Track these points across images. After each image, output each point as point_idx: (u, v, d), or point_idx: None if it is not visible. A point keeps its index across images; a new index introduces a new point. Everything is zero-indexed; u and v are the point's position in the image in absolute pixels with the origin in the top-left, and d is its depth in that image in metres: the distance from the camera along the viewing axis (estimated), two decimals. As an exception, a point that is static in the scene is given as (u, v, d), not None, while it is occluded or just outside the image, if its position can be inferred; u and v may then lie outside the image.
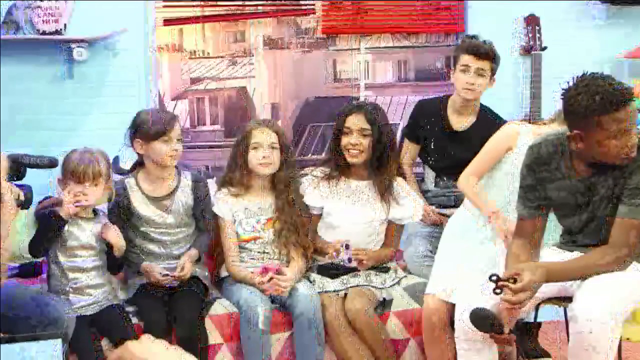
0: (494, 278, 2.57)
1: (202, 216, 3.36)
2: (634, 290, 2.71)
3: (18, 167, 2.56)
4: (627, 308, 2.66)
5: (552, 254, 2.93)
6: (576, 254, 2.86)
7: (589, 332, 2.55)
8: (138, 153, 3.28)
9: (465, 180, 3.28)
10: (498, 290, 2.56)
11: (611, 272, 2.68)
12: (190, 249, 3.28)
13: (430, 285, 3.22)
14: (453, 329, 2.95)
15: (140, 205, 3.25)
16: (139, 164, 3.33)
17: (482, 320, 2.62)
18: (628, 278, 2.70)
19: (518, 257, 2.80)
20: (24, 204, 2.53)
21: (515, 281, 2.55)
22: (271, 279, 3.15)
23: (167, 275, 3.15)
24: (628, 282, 2.70)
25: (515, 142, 3.21)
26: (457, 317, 2.84)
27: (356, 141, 3.35)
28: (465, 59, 3.55)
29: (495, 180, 3.29)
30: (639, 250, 2.76)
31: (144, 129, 3.21)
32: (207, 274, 3.37)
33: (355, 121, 3.36)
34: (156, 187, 3.29)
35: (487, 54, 3.54)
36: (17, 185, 2.70)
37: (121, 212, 3.23)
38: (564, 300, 2.92)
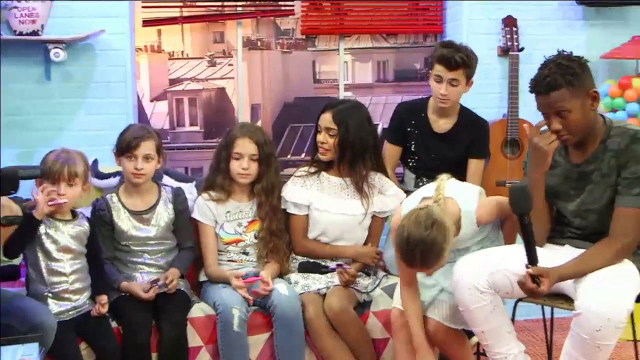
0: (528, 266, 2.72)
1: (182, 230, 3.37)
2: (634, 287, 2.76)
3: (14, 182, 2.57)
4: (632, 305, 2.69)
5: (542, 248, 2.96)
6: (567, 248, 2.94)
7: (597, 330, 2.58)
8: None
9: None
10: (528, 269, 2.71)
11: (614, 264, 2.75)
12: (172, 267, 3.28)
13: (395, 298, 3.23)
14: None
15: (122, 219, 3.26)
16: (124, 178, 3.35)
17: (521, 193, 2.71)
18: (626, 273, 2.76)
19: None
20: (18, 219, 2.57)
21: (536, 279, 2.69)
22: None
23: (151, 286, 3.14)
24: (627, 278, 2.75)
25: None
26: (456, 288, 2.92)
27: (323, 139, 3.38)
28: (438, 69, 3.56)
29: None
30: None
31: (116, 143, 3.24)
32: (189, 285, 3.38)
33: (324, 119, 3.38)
34: (137, 202, 3.29)
35: (458, 64, 3.53)
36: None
37: (104, 226, 3.23)
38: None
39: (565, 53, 2.83)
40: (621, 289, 2.67)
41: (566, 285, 2.84)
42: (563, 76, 2.74)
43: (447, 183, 3.09)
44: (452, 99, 3.61)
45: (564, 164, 2.95)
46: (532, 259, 2.72)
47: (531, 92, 2.84)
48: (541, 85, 2.78)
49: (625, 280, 2.73)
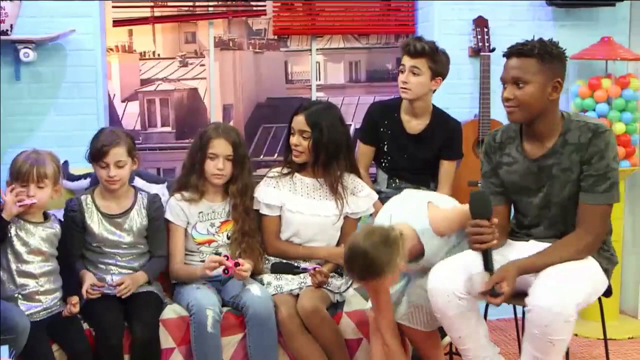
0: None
1: (155, 238, 3.34)
2: (590, 282, 2.78)
3: None
4: (583, 300, 2.71)
5: (505, 245, 2.98)
6: (532, 243, 2.95)
7: (546, 325, 2.60)
8: None
9: None
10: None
11: (577, 260, 2.77)
12: (140, 271, 3.26)
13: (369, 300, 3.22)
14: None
15: (94, 222, 3.23)
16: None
17: (480, 198, 2.73)
18: (583, 270, 2.78)
19: None
20: None
21: (494, 291, 2.71)
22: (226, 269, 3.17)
23: (97, 288, 3.10)
24: (583, 273, 2.77)
25: None
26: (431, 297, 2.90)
27: (297, 142, 3.39)
28: (403, 59, 3.60)
29: None
30: (606, 236, 2.89)
31: (88, 149, 3.22)
32: (161, 287, 3.37)
33: (297, 122, 3.38)
34: (111, 205, 3.27)
35: (419, 52, 3.54)
36: None
37: (75, 228, 3.21)
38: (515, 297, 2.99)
39: (553, 40, 2.87)
40: (571, 283, 2.68)
41: (530, 283, 2.85)
42: (539, 50, 2.79)
43: (392, 210, 3.09)
44: (414, 89, 3.58)
45: (521, 160, 2.95)
46: (487, 266, 2.74)
47: (504, 56, 2.88)
48: (515, 48, 2.84)
49: (580, 275, 2.74)
